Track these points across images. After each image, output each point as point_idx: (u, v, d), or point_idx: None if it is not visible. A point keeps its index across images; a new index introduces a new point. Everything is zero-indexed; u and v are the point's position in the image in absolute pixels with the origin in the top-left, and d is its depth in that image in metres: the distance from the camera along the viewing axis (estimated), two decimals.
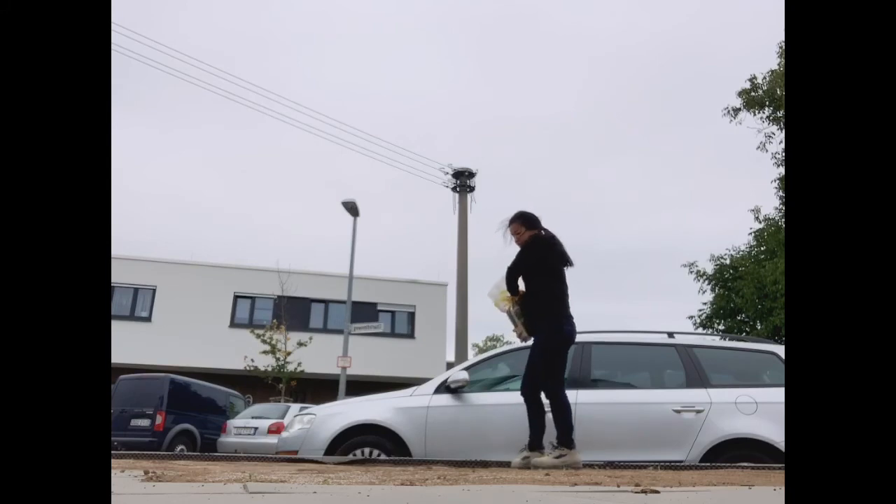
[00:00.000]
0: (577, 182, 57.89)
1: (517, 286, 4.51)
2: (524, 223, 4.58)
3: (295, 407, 12.97)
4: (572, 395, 4.70)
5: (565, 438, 4.09)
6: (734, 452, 4.44)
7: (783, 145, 16.00)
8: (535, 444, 4.16)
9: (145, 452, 5.92)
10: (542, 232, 4.56)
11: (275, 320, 18.38)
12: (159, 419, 12.51)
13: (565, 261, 4.50)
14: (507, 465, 4.10)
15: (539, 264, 4.44)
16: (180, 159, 46.22)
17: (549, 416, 4.23)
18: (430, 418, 4.76)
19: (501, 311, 4.60)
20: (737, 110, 16.38)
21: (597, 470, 3.72)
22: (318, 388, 20.42)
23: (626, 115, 58.99)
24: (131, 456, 4.55)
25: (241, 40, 51.55)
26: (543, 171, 55.35)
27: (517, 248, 4.56)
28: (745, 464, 4.12)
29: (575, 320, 4.44)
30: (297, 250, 54.74)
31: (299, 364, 17.49)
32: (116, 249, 16.16)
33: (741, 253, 16.84)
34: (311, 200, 50.16)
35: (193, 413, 13.46)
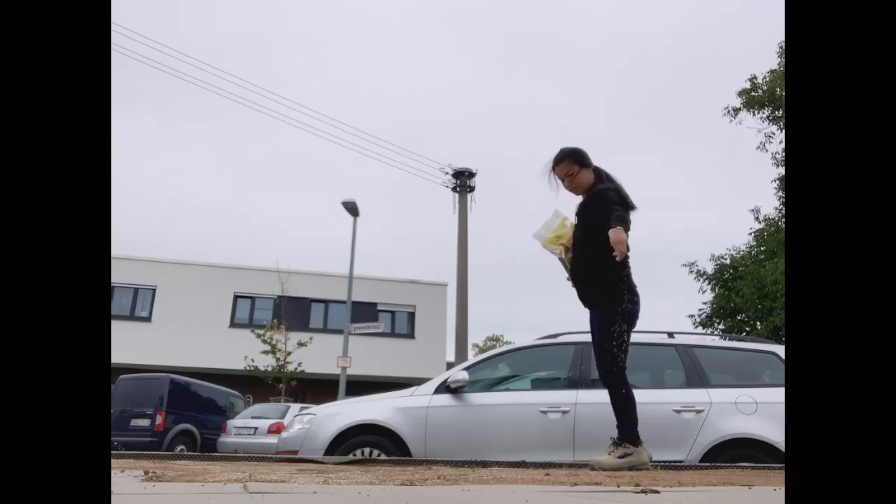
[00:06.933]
0: None
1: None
2: (577, 160, 3.61)
3: (295, 407, 13.00)
4: (572, 396, 4.70)
5: (629, 434, 3.57)
6: (734, 452, 4.44)
7: (783, 145, 16.01)
8: (629, 437, 3.65)
9: (145, 452, 5.92)
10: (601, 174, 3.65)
11: (275, 320, 18.42)
12: (159, 419, 12.52)
13: (631, 207, 3.63)
14: (507, 465, 4.05)
15: (604, 218, 3.40)
16: (180, 159, 46.23)
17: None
18: (430, 418, 4.76)
19: (552, 253, 3.94)
20: (737, 110, 16.44)
21: (596, 470, 3.72)
22: (318, 388, 20.44)
23: (625, 116, 59.05)
24: (131, 456, 4.54)
25: (241, 40, 51.57)
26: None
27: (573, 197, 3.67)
28: (745, 464, 4.12)
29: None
30: (297, 250, 54.77)
31: (299, 364, 17.51)
32: (116, 249, 16.17)
33: (741, 253, 16.87)
34: (311, 200, 50.19)
35: (193, 413, 13.47)
